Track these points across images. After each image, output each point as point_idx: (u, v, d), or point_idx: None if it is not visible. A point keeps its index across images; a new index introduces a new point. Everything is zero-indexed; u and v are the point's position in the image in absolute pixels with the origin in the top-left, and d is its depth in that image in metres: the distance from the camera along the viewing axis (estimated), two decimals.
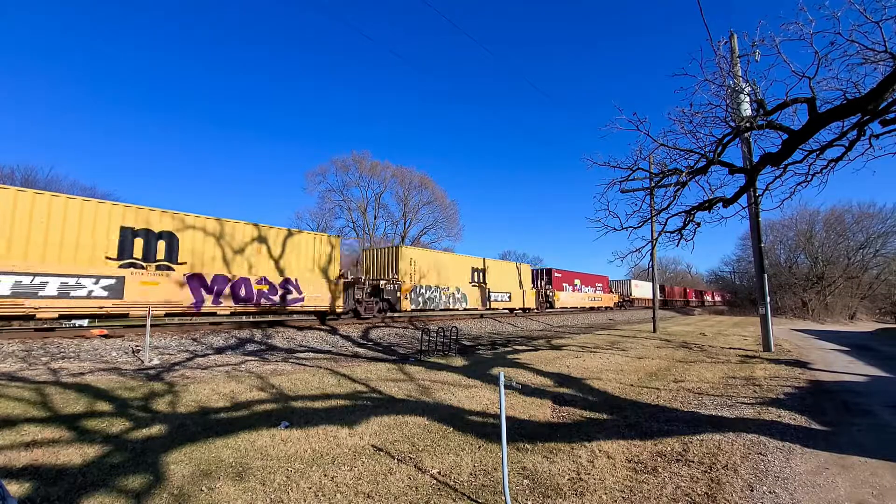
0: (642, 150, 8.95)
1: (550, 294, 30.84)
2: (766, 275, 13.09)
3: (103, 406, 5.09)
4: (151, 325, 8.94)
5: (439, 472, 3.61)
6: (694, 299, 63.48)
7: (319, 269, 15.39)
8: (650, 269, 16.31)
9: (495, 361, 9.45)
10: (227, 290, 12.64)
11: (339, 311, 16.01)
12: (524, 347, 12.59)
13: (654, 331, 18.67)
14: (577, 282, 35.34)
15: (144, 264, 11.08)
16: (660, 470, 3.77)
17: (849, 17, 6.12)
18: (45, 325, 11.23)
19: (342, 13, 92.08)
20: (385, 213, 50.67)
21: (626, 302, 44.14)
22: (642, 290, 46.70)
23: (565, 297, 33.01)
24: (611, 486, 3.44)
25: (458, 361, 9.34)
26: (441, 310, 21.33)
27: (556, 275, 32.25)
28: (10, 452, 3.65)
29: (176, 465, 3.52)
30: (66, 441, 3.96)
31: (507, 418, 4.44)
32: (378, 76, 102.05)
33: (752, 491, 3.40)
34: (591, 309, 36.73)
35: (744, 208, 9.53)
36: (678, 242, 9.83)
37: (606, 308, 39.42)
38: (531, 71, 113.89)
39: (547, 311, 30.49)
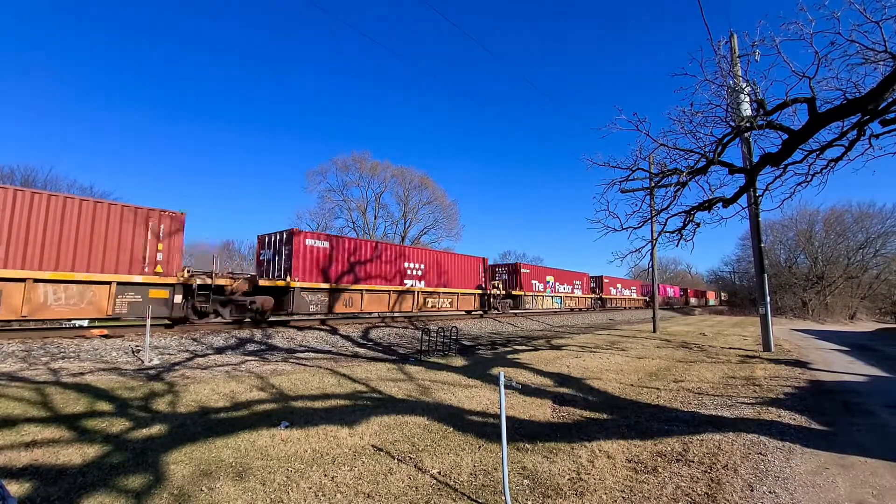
0: (642, 150, 8.98)
1: None
2: (766, 275, 13.10)
3: (103, 406, 5.09)
4: (151, 325, 8.93)
5: (439, 472, 3.61)
6: (675, 297, 55.77)
7: None
8: (650, 268, 16.30)
9: (495, 361, 9.44)
10: None
11: None
12: (524, 347, 12.59)
13: (654, 331, 18.68)
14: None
15: None
16: (660, 470, 3.77)
17: (849, 17, 6.13)
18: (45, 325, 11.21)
19: (342, 13, 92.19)
20: (385, 213, 50.62)
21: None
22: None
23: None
24: (611, 485, 3.44)
25: (458, 361, 9.34)
26: None
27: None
28: (10, 452, 3.65)
29: (176, 465, 3.52)
30: (66, 441, 3.95)
31: (508, 418, 4.43)
32: (378, 76, 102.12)
33: (752, 491, 3.40)
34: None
35: (744, 208, 9.53)
36: (678, 242, 9.86)
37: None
38: (531, 71, 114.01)
39: None
